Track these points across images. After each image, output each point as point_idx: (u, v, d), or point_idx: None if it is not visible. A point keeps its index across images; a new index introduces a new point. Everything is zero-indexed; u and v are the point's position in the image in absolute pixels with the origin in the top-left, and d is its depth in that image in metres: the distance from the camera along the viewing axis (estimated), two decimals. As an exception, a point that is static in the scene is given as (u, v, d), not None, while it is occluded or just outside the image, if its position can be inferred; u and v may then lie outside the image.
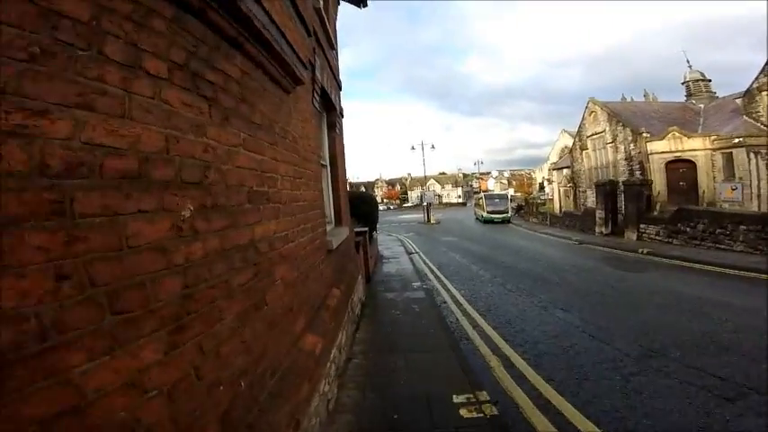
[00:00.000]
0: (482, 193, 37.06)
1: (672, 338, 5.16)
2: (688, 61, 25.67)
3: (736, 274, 9.15)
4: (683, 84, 25.59)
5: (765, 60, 17.51)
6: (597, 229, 18.55)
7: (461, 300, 7.70)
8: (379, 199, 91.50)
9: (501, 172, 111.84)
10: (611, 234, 17.83)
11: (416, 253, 15.39)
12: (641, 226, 15.72)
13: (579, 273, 10.23)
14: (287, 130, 2.77)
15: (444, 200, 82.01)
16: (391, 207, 78.89)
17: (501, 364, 4.58)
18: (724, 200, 18.42)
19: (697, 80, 24.86)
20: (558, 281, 9.23)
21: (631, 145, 21.74)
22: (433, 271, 11.05)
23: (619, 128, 22.52)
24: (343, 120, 6.25)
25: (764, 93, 17.74)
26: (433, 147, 35.88)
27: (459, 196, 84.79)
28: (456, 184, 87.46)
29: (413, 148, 35.79)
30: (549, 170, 56.06)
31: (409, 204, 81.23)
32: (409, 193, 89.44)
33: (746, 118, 18.68)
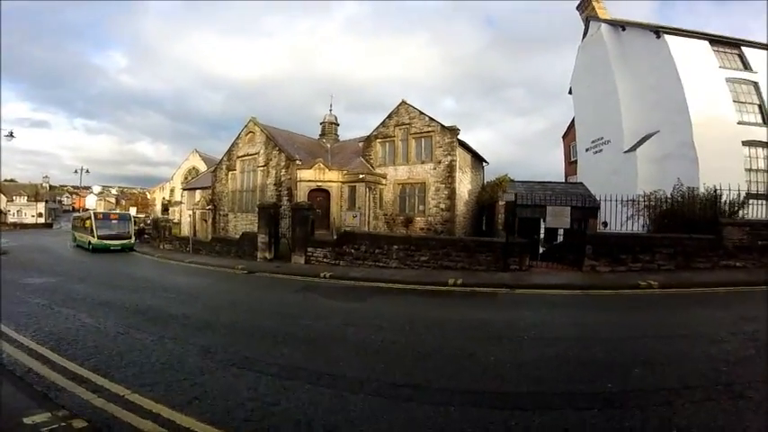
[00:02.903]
0: (91, 212, 26.64)
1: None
2: (331, 106, 29.99)
3: (438, 289, 10.15)
4: (321, 123, 29.41)
5: (383, 119, 22.70)
6: (260, 255, 16.69)
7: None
8: None
9: (106, 188, 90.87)
10: (275, 259, 16.48)
11: (-33, 318, 7.31)
12: (309, 249, 15.32)
13: (313, 316, 7.62)
14: None
15: (13, 219, 55.16)
16: None
17: None
18: (347, 225, 21.70)
19: (331, 123, 29.31)
20: (316, 336, 6.24)
21: (283, 170, 21.97)
22: (50, 361, 4.80)
23: (274, 152, 22.28)
24: None
25: (378, 141, 22.81)
26: (11, 134, 22.00)
27: (41, 214, 59.90)
28: (36, 198, 61.13)
29: None
30: (172, 191, 50.46)
31: (-71, 224, 48.48)
32: (-70, 205, 53.79)
33: (362, 159, 23.29)
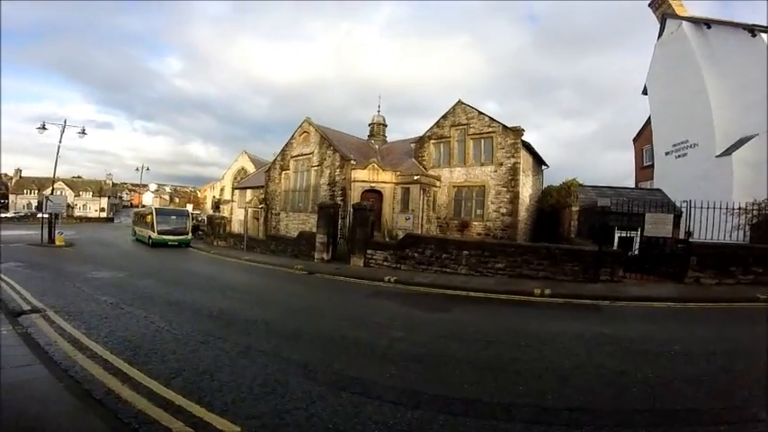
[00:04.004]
0: (152, 207, 27.19)
1: None
2: (379, 107, 29.16)
3: (524, 300, 8.85)
4: (369, 125, 28.59)
5: (429, 120, 21.57)
6: (317, 255, 15.88)
7: None
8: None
9: (161, 186, 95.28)
10: (332, 260, 15.60)
11: (39, 312, 6.79)
12: (368, 252, 14.29)
13: (402, 327, 6.33)
14: None
15: (79, 212, 58.55)
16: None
17: None
18: (399, 228, 20.51)
19: (379, 124, 28.41)
20: (418, 352, 5.06)
21: (337, 170, 21.21)
22: (129, 378, 3.87)
23: (329, 152, 21.59)
24: None
25: (432, 142, 21.62)
26: (83, 132, 22.60)
27: (104, 209, 63.34)
28: (100, 194, 64.77)
29: (43, 126, 21.14)
30: (222, 189, 51.56)
31: (9, 215, 52.37)
32: (12, 197, 58.05)
33: (414, 160, 22.12)
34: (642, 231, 16.39)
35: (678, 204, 14.82)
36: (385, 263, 13.72)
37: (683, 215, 14.15)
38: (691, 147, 18.43)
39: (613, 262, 10.86)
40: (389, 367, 4.54)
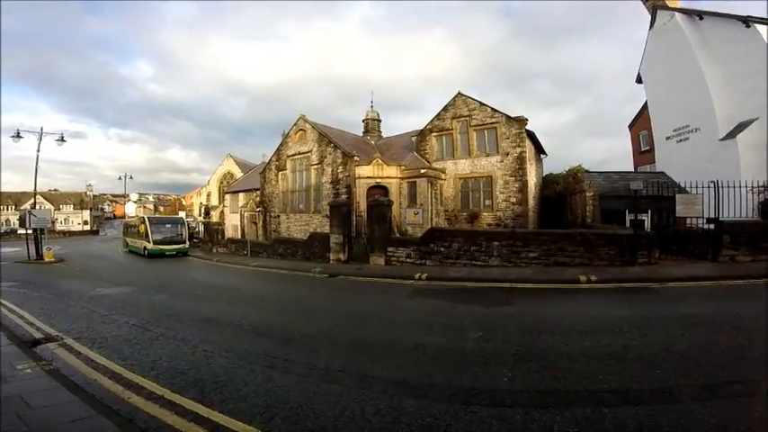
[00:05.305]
0: (145, 217, 25.67)
1: None
2: (371, 102, 28.21)
3: (575, 287, 8.44)
4: (363, 121, 27.68)
5: (437, 112, 20.95)
6: (333, 257, 15.03)
7: None
8: None
9: (143, 195, 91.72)
10: (350, 261, 14.80)
11: (56, 340, 5.86)
12: (389, 249, 13.57)
13: (473, 326, 5.60)
14: None
15: (61, 226, 55.47)
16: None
17: None
18: (408, 223, 19.84)
19: (374, 119, 27.53)
20: (514, 351, 4.33)
21: (340, 168, 20.31)
22: (221, 428, 3.06)
23: (329, 149, 20.62)
24: None
25: (434, 135, 21.00)
26: (62, 139, 20.83)
27: (87, 222, 60.26)
28: (81, 206, 61.52)
29: (17, 135, 19.35)
30: (209, 195, 49.76)
31: (-14, 234, 49.14)
32: (-13, 215, 54.55)
33: (416, 154, 21.47)
34: (651, 213, 16.35)
35: (686, 187, 14.82)
36: (408, 259, 13.03)
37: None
38: (692, 131, 18.58)
39: (648, 244, 10.56)
40: (499, 371, 4.12)
